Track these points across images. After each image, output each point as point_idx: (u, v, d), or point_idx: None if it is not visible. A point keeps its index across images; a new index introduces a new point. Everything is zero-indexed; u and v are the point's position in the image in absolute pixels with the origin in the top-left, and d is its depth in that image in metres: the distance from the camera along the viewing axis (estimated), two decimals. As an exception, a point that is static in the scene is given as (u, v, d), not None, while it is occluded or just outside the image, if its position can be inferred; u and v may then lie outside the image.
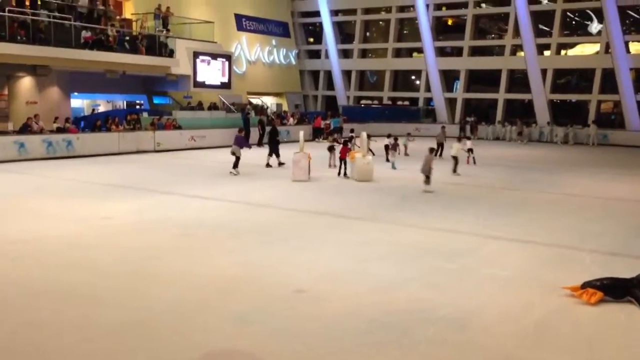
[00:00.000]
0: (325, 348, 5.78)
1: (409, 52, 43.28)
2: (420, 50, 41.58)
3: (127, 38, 27.51)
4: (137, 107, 31.44)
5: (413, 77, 44.01)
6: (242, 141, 19.43)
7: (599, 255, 9.52)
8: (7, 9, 22.60)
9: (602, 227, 11.73)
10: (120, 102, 32.25)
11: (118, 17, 29.18)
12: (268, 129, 23.85)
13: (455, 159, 19.37)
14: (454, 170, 19.20)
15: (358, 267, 8.53)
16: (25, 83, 25.36)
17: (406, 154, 24.34)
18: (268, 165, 20.41)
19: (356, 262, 8.78)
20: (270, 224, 11.40)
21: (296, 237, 10.36)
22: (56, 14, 24.84)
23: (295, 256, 9.07)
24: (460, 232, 10.95)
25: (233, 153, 18.45)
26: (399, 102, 42.27)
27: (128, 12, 30.77)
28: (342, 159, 18.42)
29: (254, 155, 21.55)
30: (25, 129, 21.81)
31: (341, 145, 19.24)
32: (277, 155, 20.52)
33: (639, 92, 34.91)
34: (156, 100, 32.53)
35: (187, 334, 6.05)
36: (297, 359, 5.57)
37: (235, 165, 18.28)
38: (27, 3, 24.63)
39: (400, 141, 23.75)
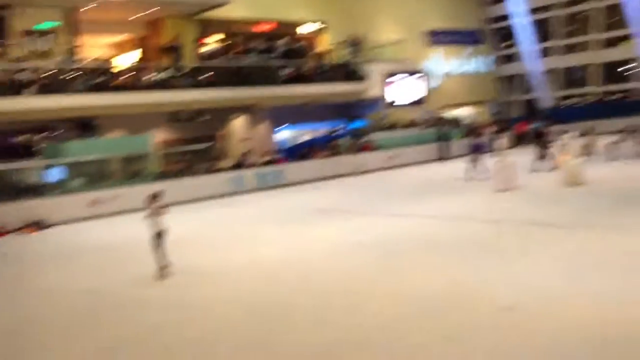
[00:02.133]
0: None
1: (617, 41, 39.28)
2: (629, 38, 37.52)
3: (323, 69, 28.99)
4: (337, 133, 32.79)
5: (625, 68, 39.79)
6: (480, 147, 20.02)
7: None
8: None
9: None
10: (322, 129, 33.89)
11: (314, 51, 30.90)
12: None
13: None
14: None
15: (573, 281, 7.84)
16: (238, 122, 27.91)
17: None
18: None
19: (571, 275, 8.08)
20: (474, 238, 11.05)
21: (502, 250, 9.88)
22: (259, 56, 27.17)
23: (502, 271, 8.64)
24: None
25: (473, 160, 19.16)
26: (612, 97, 38.44)
27: (324, 44, 32.43)
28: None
29: (452, 168, 21.13)
30: (240, 165, 23.97)
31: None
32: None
33: None
34: (354, 124, 33.64)
35: (398, 353, 6.06)
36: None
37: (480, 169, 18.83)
38: (236, 50, 27.24)
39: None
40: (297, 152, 26.80)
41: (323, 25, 31.85)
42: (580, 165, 16.30)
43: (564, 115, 36.53)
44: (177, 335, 7.29)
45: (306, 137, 33.57)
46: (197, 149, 23.97)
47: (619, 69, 39.81)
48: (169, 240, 10.09)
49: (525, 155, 21.31)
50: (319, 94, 27.96)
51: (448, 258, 9.72)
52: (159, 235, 9.97)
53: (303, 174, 24.35)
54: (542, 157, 19.74)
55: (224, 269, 10.49)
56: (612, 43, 39.29)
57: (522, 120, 35.22)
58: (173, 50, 24.78)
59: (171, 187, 16.70)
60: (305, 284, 9.01)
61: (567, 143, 17.56)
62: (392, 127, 31.57)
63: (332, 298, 8.17)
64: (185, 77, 23.62)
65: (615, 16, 38.79)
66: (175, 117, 25.35)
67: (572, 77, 42.32)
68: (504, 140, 18.57)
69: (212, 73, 24.43)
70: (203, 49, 26.73)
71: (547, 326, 6.37)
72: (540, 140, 20.69)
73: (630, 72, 38.78)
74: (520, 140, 31.56)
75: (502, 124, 35.39)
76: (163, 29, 26.03)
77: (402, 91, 31.15)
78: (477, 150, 19.73)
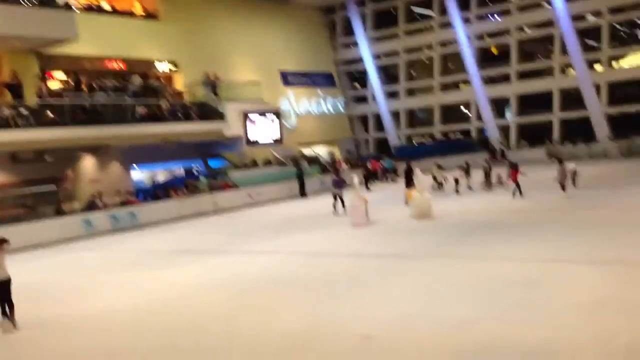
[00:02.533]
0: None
1: (455, 85, 42.99)
2: (466, 82, 41.25)
3: (179, 108, 28.57)
4: (194, 172, 32.27)
5: (462, 109, 43.54)
6: (341, 183, 20.78)
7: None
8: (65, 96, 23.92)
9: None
10: (178, 169, 33.17)
11: (169, 90, 30.38)
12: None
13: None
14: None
15: (427, 309, 8.25)
16: (88, 162, 26.50)
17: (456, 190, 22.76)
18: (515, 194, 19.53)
19: (425, 304, 8.51)
20: (333, 272, 11.27)
21: (360, 283, 10.17)
22: (111, 94, 26.10)
23: (361, 303, 8.87)
24: (531, 260, 10.51)
25: (335, 196, 19.81)
26: (451, 135, 41.80)
27: (178, 84, 32.00)
28: (515, 182, 19.34)
29: (311, 205, 21.57)
30: (91, 207, 22.66)
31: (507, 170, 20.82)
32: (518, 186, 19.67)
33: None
34: (212, 163, 33.33)
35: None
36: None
37: (343, 205, 19.51)
38: (85, 88, 25.97)
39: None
40: (154, 192, 25.91)
41: (174, 66, 31.54)
42: (429, 200, 17.39)
43: (412, 152, 38.90)
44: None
45: (163, 177, 32.66)
46: (40, 191, 22.34)
47: (461, 110, 43.40)
48: (13, 290, 9.23)
49: (378, 192, 22.39)
50: (175, 133, 27.44)
51: (308, 293, 9.81)
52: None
53: (160, 214, 23.58)
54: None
55: (75, 319, 9.73)
56: (450, 87, 42.91)
57: (373, 158, 37.01)
58: (12, 87, 23.09)
59: (10, 233, 15.30)
60: (161, 327, 8.62)
61: (417, 178, 18.68)
62: (251, 165, 31.72)
63: (188, 340, 7.87)
64: (27, 115, 22.04)
65: (455, 62, 42.49)
66: (15, 157, 23.54)
67: (418, 118, 45.49)
68: (356, 177, 19.29)
69: (57, 111, 23.07)
70: (49, 86, 25.20)
71: (408, 352, 6.62)
72: (408, 176, 21.86)
73: (468, 113, 42.45)
74: (373, 177, 33.14)
75: (355, 162, 37.05)
76: (1, 65, 24.32)
77: (260, 130, 31.52)
78: (337, 186, 20.38)
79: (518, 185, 19.36)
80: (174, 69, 31.74)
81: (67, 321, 9.62)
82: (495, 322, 7.33)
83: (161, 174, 33.00)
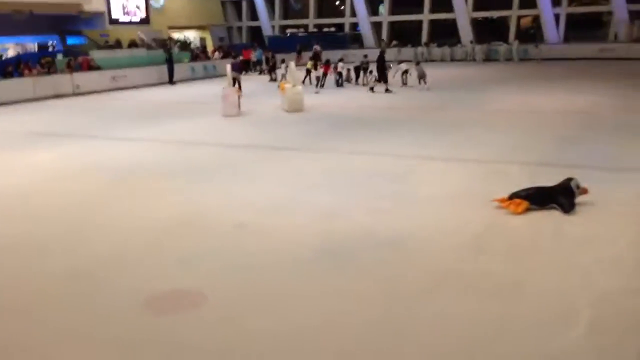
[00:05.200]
0: (271, 280, 5.83)
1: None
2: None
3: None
4: (50, 48, 29.66)
5: (337, 3, 43.27)
6: (239, 66, 22.06)
7: (528, 166, 9.90)
8: None
9: (531, 139, 12.16)
10: (31, 44, 30.32)
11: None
12: (370, 56, 25.19)
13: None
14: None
15: (297, 198, 8.55)
16: None
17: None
18: (372, 90, 21.23)
19: (295, 193, 8.79)
20: (204, 161, 11.20)
21: (233, 172, 10.24)
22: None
23: (233, 191, 8.98)
24: (396, 155, 11.11)
25: (234, 79, 19.38)
26: (325, 29, 41.64)
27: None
28: (325, 74, 22.82)
29: (180, 92, 20.90)
30: None
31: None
32: (385, 82, 21.50)
33: (556, 6, 35.69)
34: (70, 41, 30.73)
35: (132, 278, 5.95)
36: (243, 293, 5.58)
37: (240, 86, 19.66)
38: None
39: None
40: (3, 68, 23.56)
41: None
42: (301, 93, 17.49)
43: (284, 44, 38.40)
44: None
45: (13, 52, 29.76)
46: None
47: (336, 5, 43.05)
48: None
49: (249, 82, 22.10)
50: (27, 3, 24.75)
51: (179, 182, 9.71)
52: None
53: (11, 93, 21.61)
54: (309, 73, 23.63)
55: None
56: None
57: (247, 47, 36.15)
58: None
59: None
60: (20, 213, 8.21)
61: (289, 70, 18.62)
62: (115, 46, 29.65)
63: (60, 227, 7.60)
64: None
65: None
66: None
67: (292, 9, 44.57)
68: (229, 65, 18.82)
69: None
70: None
71: (275, 239, 6.89)
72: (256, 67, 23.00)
73: (342, 7, 42.26)
74: (246, 67, 32.51)
75: (227, 50, 35.95)
76: None
77: (125, 8, 29.27)
78: (237, 70, 20.90)
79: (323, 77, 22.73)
80: None
81: None
82: (362, 211, 7.79)
83: (12, 48, 30.03)
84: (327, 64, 23.67)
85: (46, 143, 13.59)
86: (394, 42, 39.13)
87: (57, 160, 11.66)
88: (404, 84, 22.61)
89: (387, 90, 20.64)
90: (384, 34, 40.32)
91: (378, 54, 23.12)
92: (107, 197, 8.98)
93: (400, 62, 23.32)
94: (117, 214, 8.07)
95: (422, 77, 21.31)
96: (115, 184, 9.71)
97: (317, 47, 33.02)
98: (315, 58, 27.53)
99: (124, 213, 8.12)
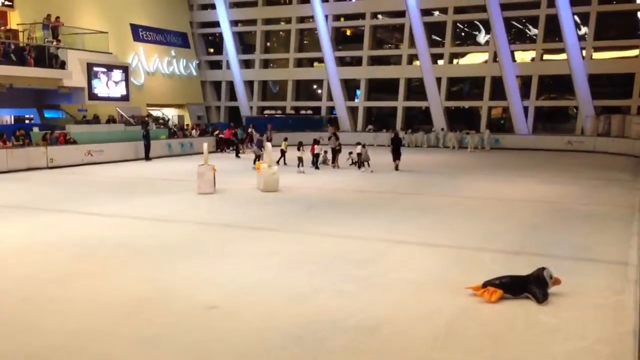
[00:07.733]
0: (240, 366, 5.63)
1: (310, 62, 43.71)
2: (321, 60, 42.09)
3: (13, 48, 25.95)
4: (27, 121, 29.65)
5: (315, 87, 44.48)
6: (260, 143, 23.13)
7: (500, 254, 9.96)
8: None
9: (502, 227, 12.28)
10: (8, 117, 30.30)
11: (3, 28, 27.45)
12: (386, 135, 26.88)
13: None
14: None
15: (267, 279, 8.41)
16: None
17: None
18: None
19: (266, 275, 8.66)
20: (176, 239, 11.04)
21: (204, 251, 10.09)
22: None
23: (204, 271, 8.81)
24: (367, 239, 11.10)
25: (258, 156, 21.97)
26: (302, 112, 42.55)
27: (14, 22, 28.99)
28: (314, 154, 23.41)
29: (156, 168, 20.88)
30: None
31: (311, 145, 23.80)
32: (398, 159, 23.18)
33: (525, 99, 37.15)
34: (48, 114, 30.82)
35: (91, 362, 5.70)
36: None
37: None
38: None
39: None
40: (-24, 140, 23.38)
41: (7, 1, 28.54)
42: (276, 173, 17.60)
43: (263, 124, 39.04)
44: None
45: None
46: None
47: (314, 88, 44.27)
48: None
49: (227, 160, 22.24)
50: (7, 77, 24.96)
51: (149, 260, 9.52)
52: None
53: (-17, 165, 21.37)
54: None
55: None
56: (305, 64, 43.51)
57: (225, 126, 36.63)
58: None
59: None
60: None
61: (266, 151, 18.80)
62: (93, 121, 29.84)
63: (10, 309, 7.30)
64: None
65: (311, 40, 43.03)
66: None
67: (272, 90, 45.66)
68: (206, 144, 18.95)
69: None
70: None
71: (245, 323, 6.70)
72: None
73: (320, 91, 43.44)
74: (225, 145, 32.86)
75: (205, 128, 36.39)
76: None
77: (105, 85, 29.66)
78: (259, 146, 22.55)
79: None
80: (8, 3, 28.68)
81: None
82: (332, 295, 7.68)
83: (-13, 120, 30.00)
84: (315, 143, 23.94)
85: (13, 216, 13.32)
86: (369, 127, 40.11)
87: (21, 234, 11.39)
88: (354, 163, 23.60)
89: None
90: (360, 119, 41.32)
91: (393, 135, 25.24)
92: (69, 273, 8.73)
93: (357, 144, 23.89)
94: (78, 294, 7.78)
95: (366, 160, 22.78)
96: (80, 260, 9.47)
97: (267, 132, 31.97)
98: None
99: (87, 290, 7.86)
